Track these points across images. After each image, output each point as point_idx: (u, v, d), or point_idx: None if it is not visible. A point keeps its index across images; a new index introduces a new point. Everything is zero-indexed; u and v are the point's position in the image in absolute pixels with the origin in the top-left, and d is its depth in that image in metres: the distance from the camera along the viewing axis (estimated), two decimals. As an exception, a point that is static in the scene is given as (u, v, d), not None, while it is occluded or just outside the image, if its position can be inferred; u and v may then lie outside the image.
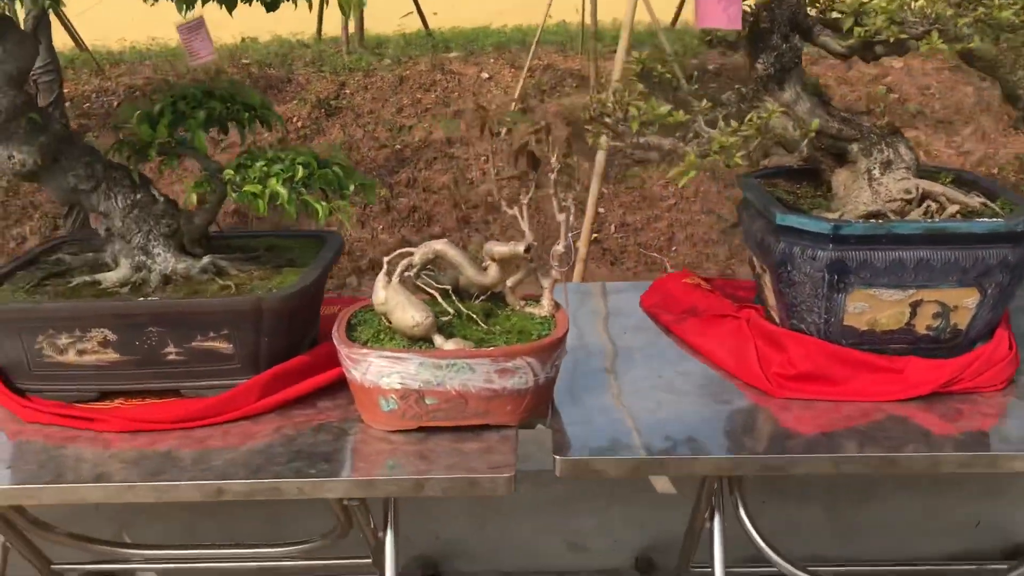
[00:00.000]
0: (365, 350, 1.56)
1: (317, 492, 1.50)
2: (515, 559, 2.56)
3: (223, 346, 1.71)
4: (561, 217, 1.66)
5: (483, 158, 5.42)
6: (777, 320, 1.81)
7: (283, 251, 1.95)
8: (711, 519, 1.82)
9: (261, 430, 1.65)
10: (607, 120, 1.73)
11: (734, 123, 1.57)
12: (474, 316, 1.64)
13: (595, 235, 4.57)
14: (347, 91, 6.48)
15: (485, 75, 6.56)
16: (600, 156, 3.31)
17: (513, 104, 5.37)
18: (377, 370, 1.56)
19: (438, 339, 1.57)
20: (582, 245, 3.16)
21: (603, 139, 1.79)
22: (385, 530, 1.75)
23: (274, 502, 1.54)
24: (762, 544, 1.82)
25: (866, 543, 2.49)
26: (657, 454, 1.53)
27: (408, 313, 1.56)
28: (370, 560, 2.06)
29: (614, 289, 2.40)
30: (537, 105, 5.75)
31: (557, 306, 1.70)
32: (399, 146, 5.80)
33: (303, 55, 7.35)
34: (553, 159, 1.65)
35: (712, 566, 1.81)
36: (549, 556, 2.55)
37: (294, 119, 6.00)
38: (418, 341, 1.59)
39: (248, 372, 1.74)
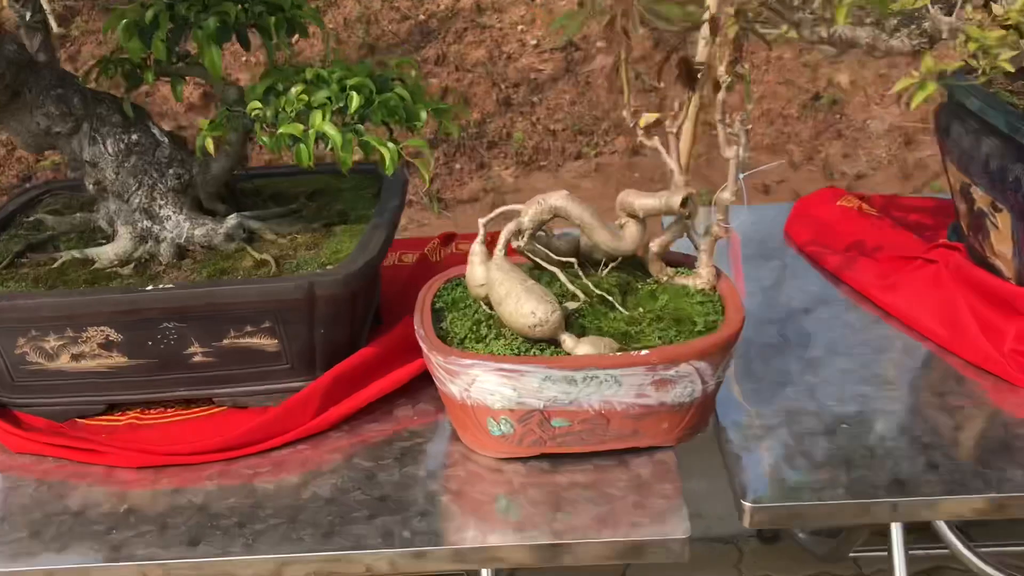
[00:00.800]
0: (467, 360, 1.11)
1: (417, 566, 1.08)
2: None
3: (266, 343, 1.27)
4: (731, 152, 1.17)
5: (520, 27, 4.81)
6: (1009, 274, 1.33)
7: (330, 197, 1.48)
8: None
9: (326, 460, 1.22)
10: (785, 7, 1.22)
11: (997, 7, 1.06)
12: (609, 298, 1.18)
13: (657, 116, 4.03)
14: (360, -46, 5.80)
15: (512, -73, 5.84)
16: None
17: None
18: (485, 386, 1.11)
19: (567, 340, 1.11)
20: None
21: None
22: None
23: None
24: (954, 540, 1.41)
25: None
26: (886, 492, 1.09)
27: (526, 307, 1.10)
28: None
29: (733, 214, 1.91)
30: (576, -37, 5.08)
31: (718, 274, 1.24)
32: (423, 16, 5.17)
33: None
34: (721, 69, 1.15)
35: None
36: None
37: (305, -9, 5.36)
38: (537, 341, 1.14)
39: (301, 374, 1.30)
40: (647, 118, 1.28)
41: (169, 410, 1.34)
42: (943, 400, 1.25)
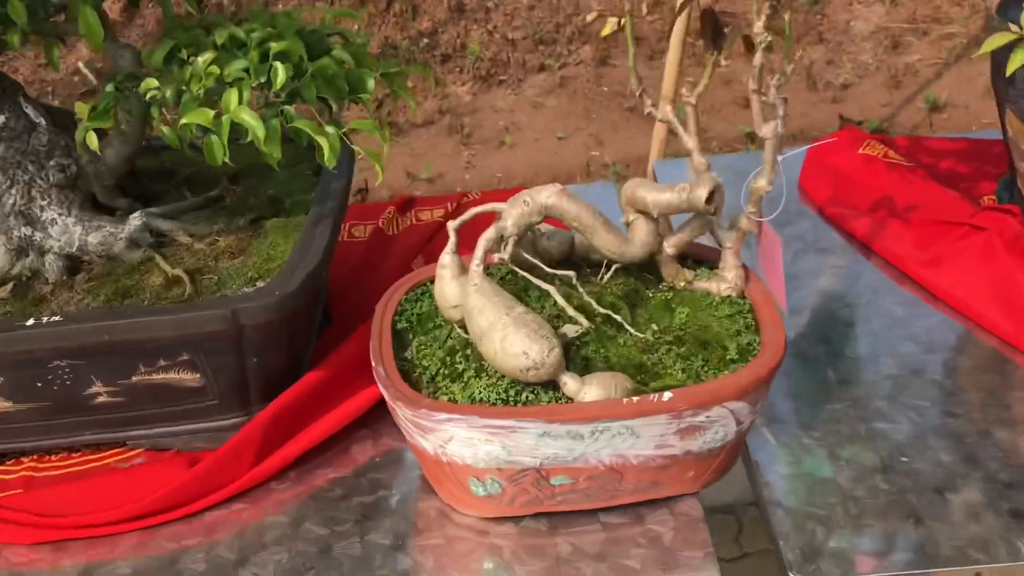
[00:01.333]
0: (441, 414, 0.87)
1: None
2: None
3: (186, 377, 1.02)
4: (767, 130, 0.92)
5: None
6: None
7: (258, 178, 1.21)
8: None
9: (269, 526, 0.99)
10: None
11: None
12: (617, 317, 0.94)
13: (620, 19, 3.71)
14: None
15: None
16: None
17: None
18: (465, 445, 0.88)
19: (570, 383, 0.87)
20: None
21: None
22: None
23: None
24: None
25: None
26: (966, 555, 0.88)
27: (515, 345, 0.86)
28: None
29: (725, 165, 1.66)
30: None
31: (747, 276, 1.00)
32: (363, -88, 4.74)
33: None
34: (759, 23, 0.89)
35: None
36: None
37: None
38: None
39: (232, 409, 1.06)
40: (610, 23, 1.03)
41: (75, 455, 1.09)
42: (1013, 414, 1.04)
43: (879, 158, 1.43)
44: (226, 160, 0.92)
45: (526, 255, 0.95)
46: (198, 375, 1.02)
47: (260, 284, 1.00)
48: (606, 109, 3.27)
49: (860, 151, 1.45)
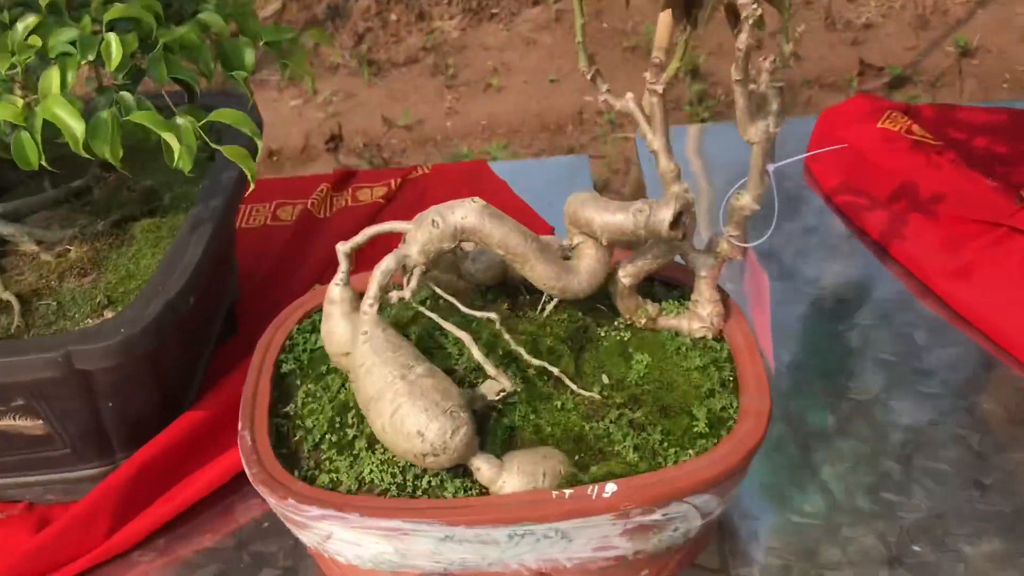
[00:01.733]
0: (312, 509, 0.66)
1: None
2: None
3: (25, 424, 0.82)
4: (756, 132, 0.69)
5: None
6: None
7: (139, 164, 0.98)
8: None
9: (123, 613, 0.80)
10: None
11: None
12: (555, 371, 0.73)
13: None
14: None
15: None
16: None
17: None
18: (348, 543, 0.68)
19: (484, 468, 0.67)
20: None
21: None
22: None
23: None
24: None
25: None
26: None
27: (408, 422, 0.65)
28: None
29: (716, 135, 1.43)
30: None
31: (727, 310, 0.78)
32: None
33: None
34: (742, -3, 0.66)
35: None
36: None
37: None
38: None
39: (89, 459, 0.86)
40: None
41: (-95, 506, 0.90)
42: (1060, 482, 0.83)
43: (901, 134, 1.21)
44: (43, 163, 0.70)
45: (438, 289, 0.73)
46: (40, 422, 0.82)
47: (109, 314, 0.79)
48: (605, 48, 3.00)
49: (879, 124, 1.23)
